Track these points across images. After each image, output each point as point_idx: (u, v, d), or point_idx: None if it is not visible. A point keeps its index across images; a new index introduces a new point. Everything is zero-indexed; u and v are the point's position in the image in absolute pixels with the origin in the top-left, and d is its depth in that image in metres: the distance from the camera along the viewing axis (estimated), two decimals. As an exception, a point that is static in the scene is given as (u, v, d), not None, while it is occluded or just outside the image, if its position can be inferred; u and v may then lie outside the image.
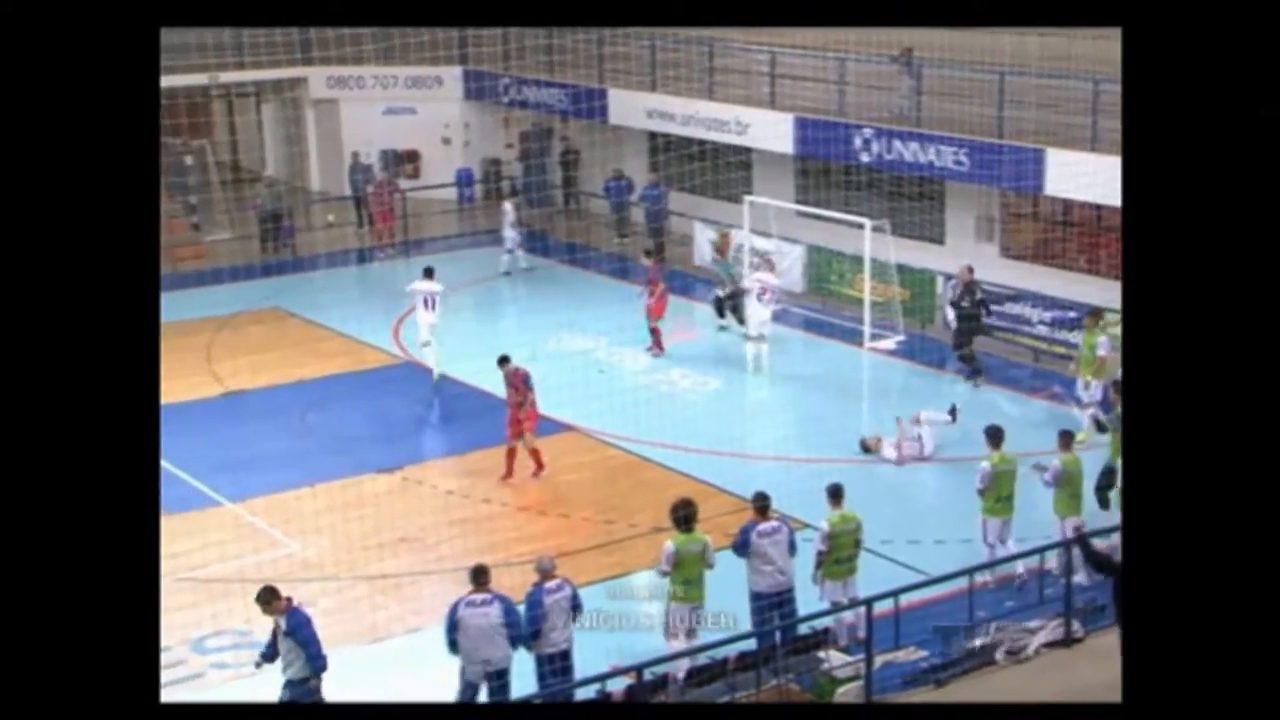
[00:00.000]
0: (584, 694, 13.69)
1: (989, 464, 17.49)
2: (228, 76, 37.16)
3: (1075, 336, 23.86)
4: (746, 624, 15.38)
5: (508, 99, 37.82)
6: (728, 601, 15.56)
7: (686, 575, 15.28)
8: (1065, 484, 17.40)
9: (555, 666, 14.34)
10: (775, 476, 19.59)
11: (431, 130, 39.04)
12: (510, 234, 32.69)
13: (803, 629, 15.00)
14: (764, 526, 15.56)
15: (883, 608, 14.65)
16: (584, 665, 14.53)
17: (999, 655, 14.33)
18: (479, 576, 14.34)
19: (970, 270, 25.47)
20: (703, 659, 14.28)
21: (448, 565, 18.16)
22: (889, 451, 21.51)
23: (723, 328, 27.84)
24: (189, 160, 36.17)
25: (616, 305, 28.44)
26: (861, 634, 14.71)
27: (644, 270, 27.29)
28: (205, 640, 16.62)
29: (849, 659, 14.67)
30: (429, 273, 26.23)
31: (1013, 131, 26.16)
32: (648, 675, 13.64)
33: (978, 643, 14.70)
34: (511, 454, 20.92)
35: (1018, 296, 26.09)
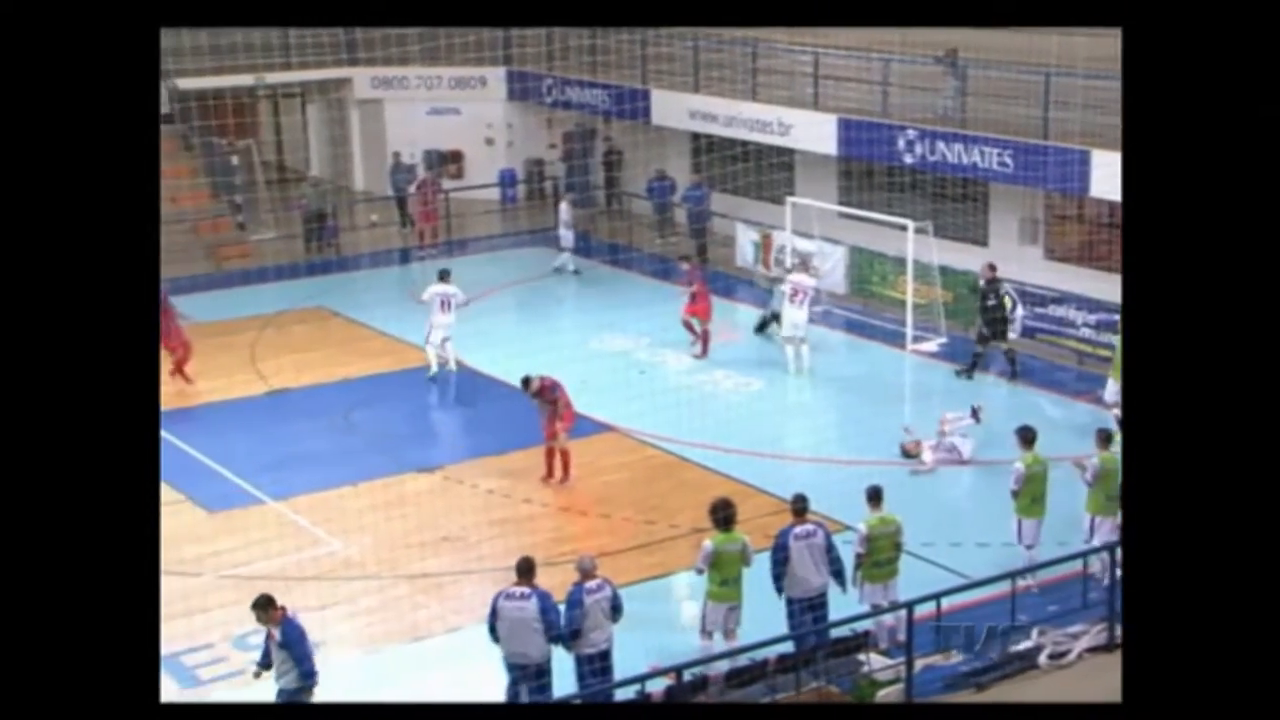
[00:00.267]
0: (623, 694, 13.69)
1: (1022, 465, 17.49)
2: (274, 77, 37.33)
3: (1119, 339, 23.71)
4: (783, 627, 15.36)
5: (551, 99, 37.84)
6: (766, 604, 15.55)
7: (724, 574, 15.28)
8: (1101, 483, 17.32)
9: (595, 667, 14.35)
10: (816, 478, 19.56)
11: (475, 130, 39.11)
12: (565, 233, 32.63)
13: (843, 632, 14.94)
14: (800, 529, 15.53)
15: (924, 611, 14.61)
16: (623, 666, 14.55)
17: (1042, 659, 14.27)
18: (522, 570, 14.45)
19: (993, 268, 25.43)
20: (743, 660, 14.26)
21: (488, 565, 18.19)
22: (928, 455, 21.43)
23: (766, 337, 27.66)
24: (235, 160, 36.32)
25: (658, 306, 28.43)
26: (902, 637, 14.69)
27: (684, 273, 27.22)
28: (247, 637, 16.65)
29: (889, 662, 14.63)
30: (444, 275, 26.38)
31: (1058, 133, 26.00)
32: (687, 676, 13.66)
33: (1020, 647, 14.64)
34: (550, 454, 20.95)
35: (1062, 299, 25.93)
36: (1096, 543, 17.15)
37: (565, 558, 16.90)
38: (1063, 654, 14.32)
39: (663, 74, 34.47)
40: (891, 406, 24.08)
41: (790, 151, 32.08)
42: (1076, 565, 16.54)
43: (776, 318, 26.72)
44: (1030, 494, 17.46)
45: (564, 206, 33.07)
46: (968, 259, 28.15)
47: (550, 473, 20.93)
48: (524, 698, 14.45)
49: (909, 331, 26.75)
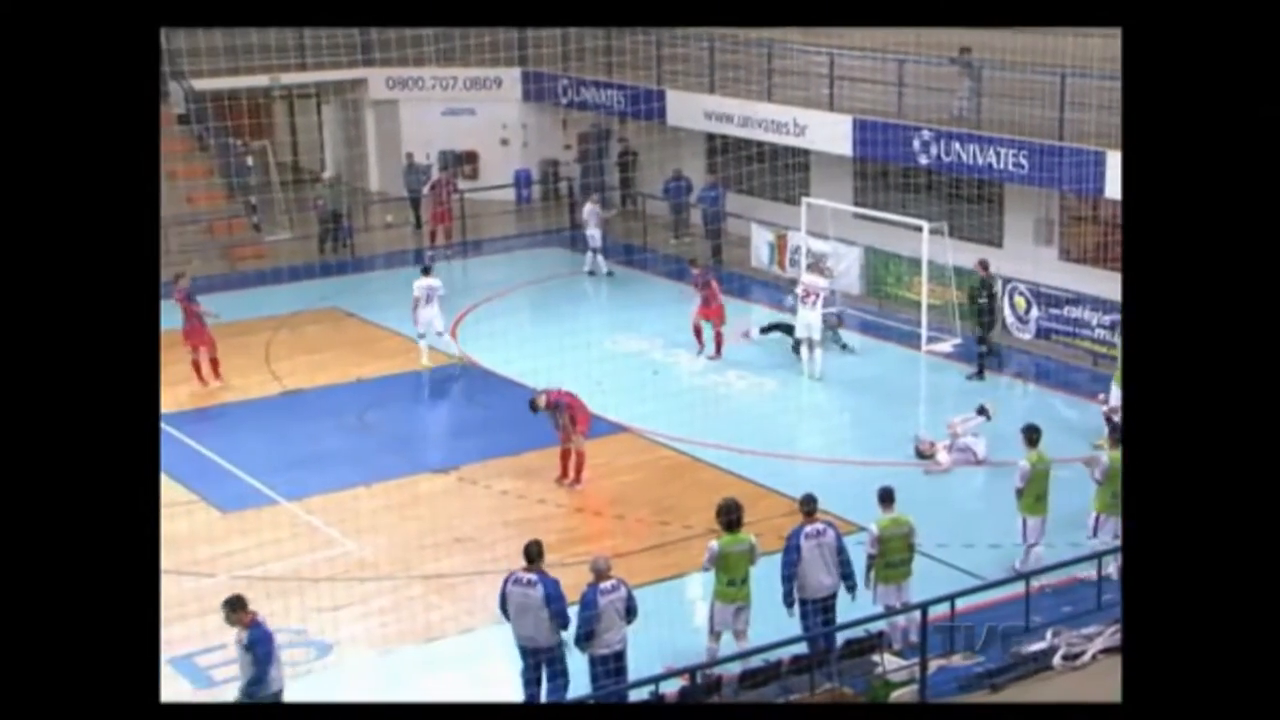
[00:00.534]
0: (637, 696, 13.68)
1: (1027, 463, 17.58)
2: (289, 78, 37.43)
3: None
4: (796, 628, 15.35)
5: (566, 100, 37.86)
6: (778, 605, 15.54)
7: (730, 575, 15.27)
8: (1110, 481, 17.33)
9: (609, 668, 14.34)
10: (829, 479, 19.54)
11: (490, 131, 39.14)
12: (594, 234, 32.60)
13: (857, 633, 14.92)
14: (810, 529, 15.51)
15: (938, 612, 14.59)
16: (637, 666, 14.54)
17: (1056, 661, 14.23)
18: (530, 555, 14.54)
19: (984, 265, 25.42)
20: (756, 662, 14.24)
21: (502, 566, 18.09)
22: (943, 456, 21.40)
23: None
24: (250, 161, 36.40)
25: (673, 306, 28.45)
26: (914, 638, 14.66)
27: (693, 276, 27.16)
28: (261, 638, 16.70)
29: (903, 663, 14.61)
30: (428, 269, 26.79)
31: (1073, 134, 25.95)
32: (700, 677, 13.65)
33: (1034, 648, 14.61)
34: (566, 455, 20.95)
35: (1077, 300, 25.89)
36: (1099, 540, 17.26)
37: (579, 558, 16.88)
38: (1077, 655, 14.27)
39: (678, 74, 34.48)
40: (906, 407, 24.08)
41: (805, 152, 32.05)
42: (1090, 566, 16.50)
43: (789, 330, 26.52)
44: (1034, 492, 17.55)
45: (590, 207, 33.02)
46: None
47: (564, 473, 20.93)
48: (543, 685, 14.56)
49: (924, 332, 26.72)
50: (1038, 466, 17.54)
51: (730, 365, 26.21)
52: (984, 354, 25.29)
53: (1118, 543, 16.74)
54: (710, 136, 34.79)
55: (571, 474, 20.88)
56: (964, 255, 27.54)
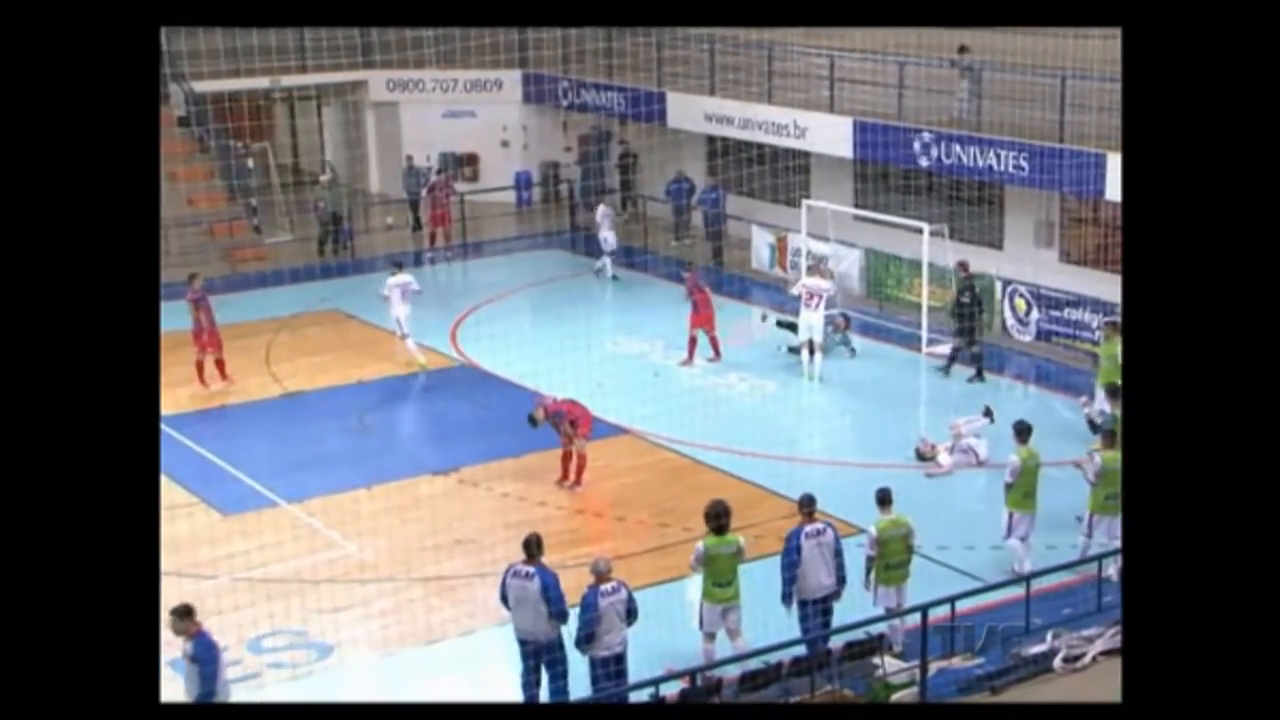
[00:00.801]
0: (638, 698, 13.68)
1: (1017, 458, 17.71)
2: (290, 80, 37.42)
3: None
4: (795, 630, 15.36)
5: (567, 102, 37.87)
6: (778, 606, 15.56)
7: (717, 576, 15.29)
8: (1102, 481, 17.43)
9: (609, 670, 14.34)
10: (830, 481, 19.54)
11: (490, 133, 39.16)
12: (607, 236, 32.57)
13: (857, 635, 14.92)
14: (810, 528, 15.54)
15: (938, 614, 14.59)
16: (638, 669, 14.56)
17: (1056, 663, 14.23)
18: (528, 547, 14.62)
19: (964, 266, 25.48)
20: (757, 664, 14.25)
21: (503, 568, 18.14)
22: (944, 458, 21.40)
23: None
24: (251, 163, 36.41)
25: (674, 308, 28.43)
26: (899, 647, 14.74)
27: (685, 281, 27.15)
28: (262, 640, 16.73)
29: (903, 665, 14.62)
30: (400, 266, 27.01)
31: (1074, 136, 25.96)
32: (700, 679, 13.65)
33: (1035, 650, 14.61)
34: (567, 457, 20.95)
35: (1077, 302, 25.90)
36: (1095, 540, 17.36)
37: (580, 560, 16.88)
38: (1077, 657, 14.27)
39: (678, 76, 34.48)
40: (906, 409, 24.08)
41: (806, 154, 32.07)
42: (1086, 566, 16.52)
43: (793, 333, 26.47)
44: (1023, 488, 17.67)
45: (602, 209, 32.99)
46: (983, 262, 28.14)
47: (565, 475, 20.93)
48: (542, 683, 14.61)
49: (924, 334, 26.72)
50: (1027, 463, 17.67)
51: (731, 367, 26.21)
52: (976, 355, 25.30)
53: (1114, 544, 16.87)
54: (711, 138, 34.79)
55: (572, 476, 20.88)
56: (965, 257, 27.51)
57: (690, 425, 22.51)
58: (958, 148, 27.88)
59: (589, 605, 14.27)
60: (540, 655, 14.60)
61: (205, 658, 13.47)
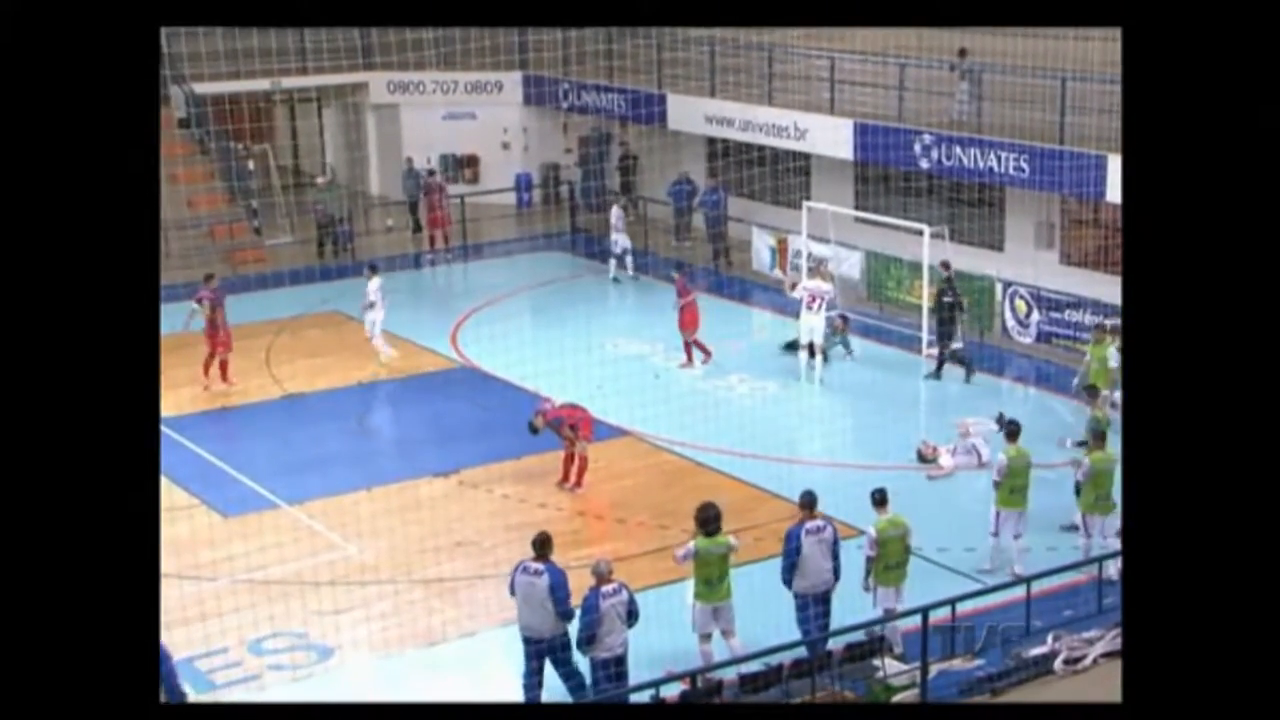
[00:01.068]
0: (638, 700, 13.68)
1: (1005, 456, 17.86)
2: (290, 82, 37.44)
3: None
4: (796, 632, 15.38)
5: (567, 104, 37.88)
6: (779, 608, 15.56)
7: (707, 575, 15.32)
8: (1093, 482, 17.56)
9: (610, 672, 14.35)
10: (831, 482, 19.53)
11: (491, 135, 39.17)
12: (619, 238, 32.54)
13: (857, 636, 14.93)
14: (811, 525, 15.58)
15: (939, 615, 14.59)
16: (638, 671, 14.57)
17: (1057, 665, 14.22)
18: (537, 545, 14.70)
19: (946, 265, 25.50)
20: (757, 666, 14.25)
21: (503, 569, 18.12)
22: (945, 460, 21.40)
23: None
24: (251, 165, 36.40)
25: (674, 310, 28.38)
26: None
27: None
28: (263, 642, 16.73)
29: (904, 667, 14.62)
30: (376, 268, 27.13)
31: (1074, 137, 25.97)
32: (700, 681, 13.65)
33: (1035, 652, 14.61)
34: (569, 459, 20.95)
35: (1078, 303, 25.90)
36: (1090, 540, 17.53)
37: (580, 562, 16.89)
38: (1078, 659, 14.26)
39: (679, 78, 34.49)
40: (907, 411, 24.07)
41: (806, 156, 32.08)
42: (1092, 570, 16.53)
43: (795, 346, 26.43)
44: (1010, 485, 17.79)
45: (616, 211, 32.94)
46: (984, 264, 28.17)
47: (565, 477, 20.93)
48: (544, 684, 14.66)
49: (924, 336, 26.70)
50: (1015, 461, 17.80)
51: (731, 369, 26.22)
52: (960, 353, 25.35)
53: (1109, 542, 17.14)
54: (711, 140, 34.80)
55: (573, 478, 20.88)
56: (965, 259, 27.57)
57: (691, 427, 22.51)
58: (958, 149, 27.88)
59: (590, 607, 14.28)
60: (543, 654, 14.64)
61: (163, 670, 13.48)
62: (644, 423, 22.88)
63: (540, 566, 14.55)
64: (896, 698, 13.97)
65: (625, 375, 24.78)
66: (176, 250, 31.72)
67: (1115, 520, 17.23)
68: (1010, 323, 27.10)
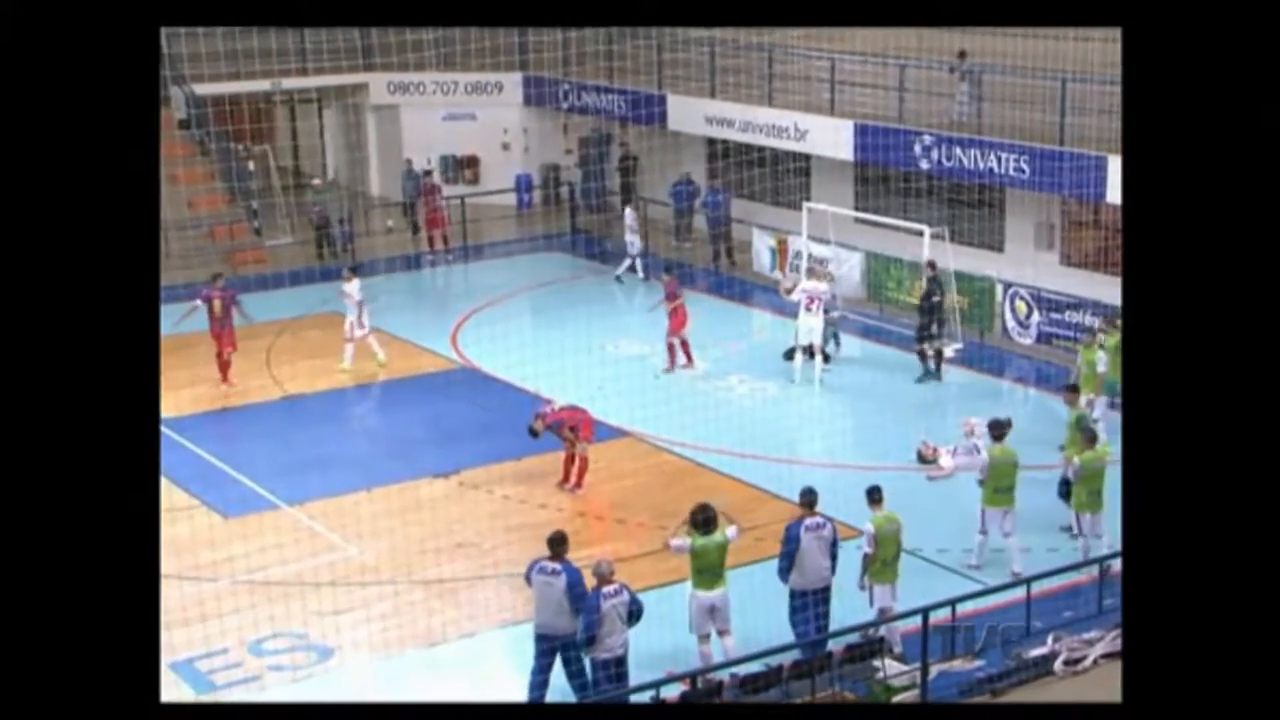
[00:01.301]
0: (639, 701, 13.68)
1: (988, 455, 18.02)
2: (290, 82, 37.45)
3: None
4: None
5: (567, 104, 37.87)
6: (779, 609, 15.55)
7: (701, 565, 15.35)
8: (1084, 480, 17.71)
9: (610, 673, 14.36)
10: (831, 483, 19.51)
11: (491, 136, 39.17)
12: (632, 239, 32.48)
13: (857, 637, 14.95)
14: (810, 521, 15.59)
15: (939, 616, 14.59)
16: (638, 671, 14.57)
17: (1057, 666, 14.23)
18: (553, 543, 14.77)
19: (932, 265, 25.52)
20: (758, 667, 14.25)
21: (503, 570, 18.21)
22: (946, 460, 21.40)
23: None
24: (251, 165, 36.41)
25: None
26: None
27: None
28: (263, 642, 16.73)
29: (904, 668, 14.61)
30: (355, 270, 27.24)
31: (1074, 138, 25.97)
32: (701, 682, 13.65)
33: (1036, 653, 14.61)
34: (569, 460, 20.96)
35: (1078, 304, 25.90)
36: (1087, 539, 17.69)
37: (581, 563, 16.86)
38: (1078, 660, 14.27)
39: (679, 79, 34.48)
40: (907, 412, 24.05)
41: (807, 157, 32.07)
42: (1092, 570, 16.54)
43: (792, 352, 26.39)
44: (995, 484, 17.86)
45: (629, 212, 32.90)
46: (984, 264, 28.16)
47: (566, 478, 20.94)
48: (550, 683, 14.68)
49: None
50: (999, 460, 17.90)
51: (731, 370, 26.22)
52: (938, 353, 25.38)
53: (1096, 539, 17.49)
54: (711, 141, 34.80)
55: (573, 479, 20.88)
56: (965, 260, 27.57)
57: (691, 428, 22.51)
58: (958, 150, 27.88)
59: (591, 608, 14.29)
60: (556, 651, 14.70)
61: None
62: (644, 423, 22.88)
63: (557, 566, 14.62)
64: (897, 698, 13.97)
65: (626, 376, 24.78)
66: (177, 251, 31.73)
67: (1102, 518, 17.55)
68: (1010, 324, 27.10)
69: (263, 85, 36.28)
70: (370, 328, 26.70)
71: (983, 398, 23.81)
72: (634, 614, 14.48)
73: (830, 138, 30.23)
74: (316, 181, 36.35)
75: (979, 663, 14.84)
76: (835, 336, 26.70)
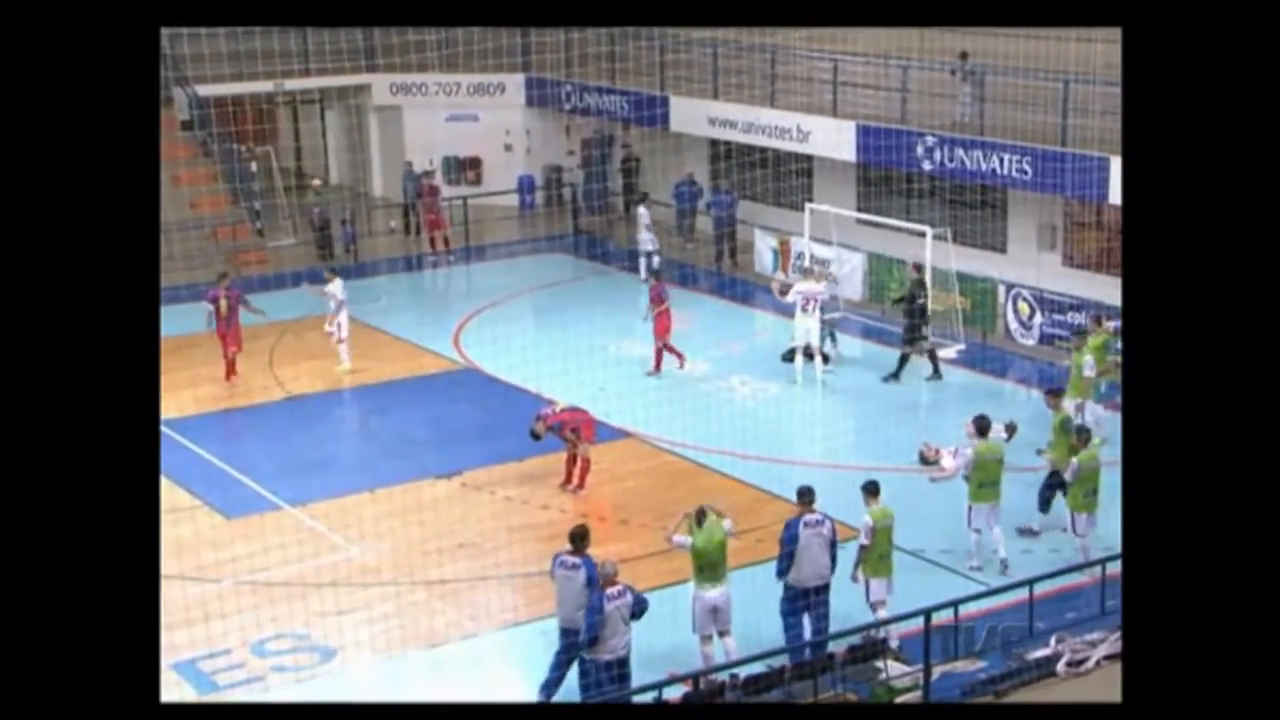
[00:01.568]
0: (641, 702, 13.69)
1: (972, 451, 18.08)
2: (293, 83, 37.45)
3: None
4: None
5: (570, 106, 37.86)
6: (766, 611, 15.58)
7: (702, 563, 15.41)
8: (1080, 481, 17.78)
9: (613, 673, 14.35)
10: (833, 484, 19.52)
11: (494, 137, 39.17)
12: (646, 237, 32.47)
13: (859, 638, 14.96)
14: (810, 518, 15.62)
15: (941, 618, 14.59)
16: (640, 673, 14.58)
17: (1059, 667, 14.24)
18: (574, 538, 14.87)
19: (918, 267, 25.52)
20: (760, 668, 14.26)
21: (506, 571, 18.21)
22: (948, 462, 21.38)
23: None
24: (254, 166, 36.41)
25: (676, 311, 28.39)
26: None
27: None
28: (266, 643, 16.74)
29: (907, 669, 14.61)
30: (335, 271, 27.18)
31: (1077, 139, 25.96)
32: (703, 683, 13.66)
33: (1038, 654, 14.62)
34: (571, 461, 20.97)
35: (1080, 305, 25.89)
36: (1086, 540, 17.72)
37: (583, 564, 16.92)
38: (1081, 661, 14.27)
39: (681, 80, 34.47)
40: (909, 413, 24.06)
41: (809, 158, 32.05)
42: (1094, 571, 16.53)
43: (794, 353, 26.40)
44: (979, 480, 17.97)
45: (643, 211, 32.89)
46: (986, 266, 28.16)
47: (568, 479, 20.95)
48: (565, 679, 14.73)
49: (928, 336, 26.66)
50: (984, 456, 18.00)
51: (733, 370, 26.23)
52: (932, 352, 25.37)
53: (1085, 539, 17.57)
54: (713, 142, 34.78)
55: (575, 480, 20.89)
56: (967, 261, 27.57)
57: (693, 429, 22.52)
58: (960, 151, 27.88)
59: (595, 609, 14.29)
60: (576, 646, 14.71)
61: None
62: (646, 425, 22.88)
63: (577, 560, 14.72)
64: (899, 699, 13.98)
65: (628, 377, 24.78)
66: (179, 252, 31.70)
67: (1095, 518, 17.74)
68: (1013, 325, 27.10)
69: (265, 86, 36.27)
70: (346, 333, 26.57)
71: (985, 399, 23.79)
72: (639, 611, 14.49)
73: (832, 139, 30.23)
74: (316, 182, 36.34)
75: (981, 664, 14.85)
76: (832, 336, 26.70)
